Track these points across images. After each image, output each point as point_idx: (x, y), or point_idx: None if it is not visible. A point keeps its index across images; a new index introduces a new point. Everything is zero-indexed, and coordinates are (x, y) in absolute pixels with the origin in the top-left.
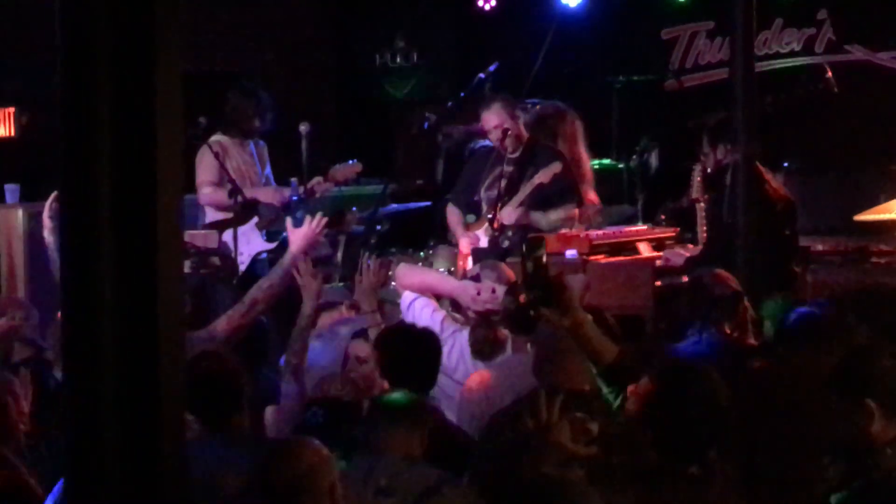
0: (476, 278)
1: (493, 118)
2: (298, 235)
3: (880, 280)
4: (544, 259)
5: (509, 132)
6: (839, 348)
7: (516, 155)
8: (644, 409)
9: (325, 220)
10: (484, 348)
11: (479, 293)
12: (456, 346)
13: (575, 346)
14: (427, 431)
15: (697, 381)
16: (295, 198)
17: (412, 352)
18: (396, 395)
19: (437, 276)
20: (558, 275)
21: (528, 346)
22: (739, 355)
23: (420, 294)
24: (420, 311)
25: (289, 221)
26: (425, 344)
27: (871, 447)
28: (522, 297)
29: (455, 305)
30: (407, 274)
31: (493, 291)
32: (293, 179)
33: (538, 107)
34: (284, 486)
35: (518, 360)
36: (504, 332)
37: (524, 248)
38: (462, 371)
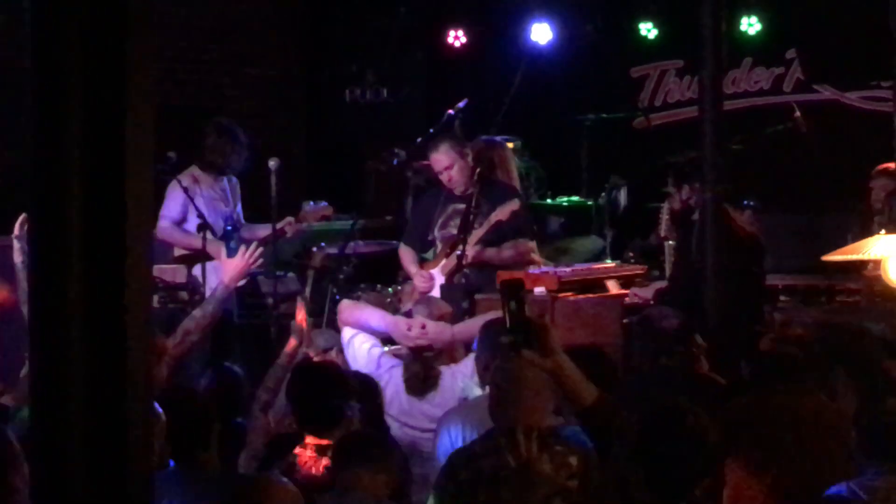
0: (408, 314)
1: (443, 159)
2: (231, 266)
3: (847, 319)
4: (523, 299)
5: (477, 170)
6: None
7: (470, 192)
8: (633, 446)
9: (259, 250)
10: (416, 384)
11: (409, 328)
12: (392, 381)
13: (531, 385)
14: (395, 471)
15: (685, 418)
16: (229, 227)
17: (317, 390)
18: (365, 432)
19: (373, 313)
20: (540, 316)
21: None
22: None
23: (360, 330)
24: (359, 347)
25: (222, 252)
26: (331, 383)
27: None
28: (505, 339)
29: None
30: (346, 310)
31: (423, 327)
32: (228, 209)
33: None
34: None
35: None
36: (438, 368)
37: (503, 291)
38: (397, 406)
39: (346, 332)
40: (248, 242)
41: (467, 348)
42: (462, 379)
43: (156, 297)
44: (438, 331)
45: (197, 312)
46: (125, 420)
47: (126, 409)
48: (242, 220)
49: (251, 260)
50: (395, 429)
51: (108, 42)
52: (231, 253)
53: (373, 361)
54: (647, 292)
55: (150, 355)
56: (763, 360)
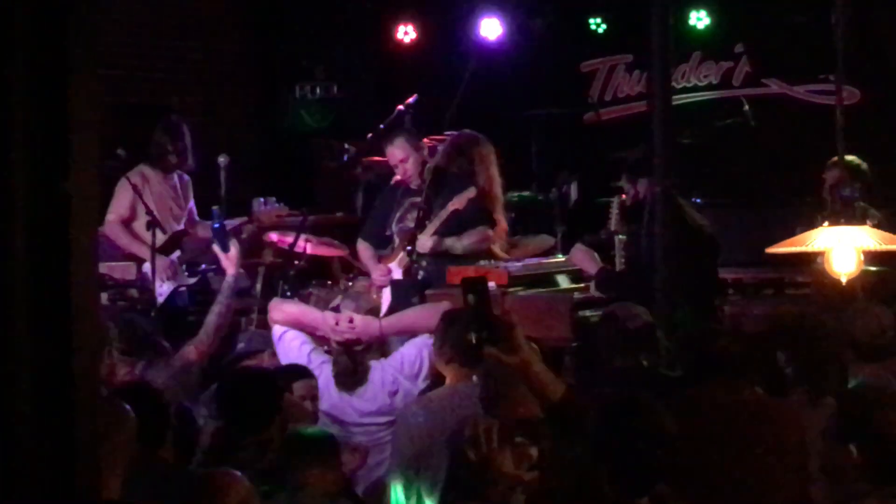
0: (336, 309)
1: (398, 152)
2: (232, 258)
3: (794, 312)
4: (486, 296)
5: (426, 164)
6: (759, 379)
7: (426, 186)
8: (594, 442)
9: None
10: (346, 379)
11: (337, 323)
12: (322, 376)
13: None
14: (341, 469)
15: (645, 414)
16: (217, 226)
17: (246, 392)
18: (310, 431)
19: (302, 309)
20: (505, 313)
21: (474, 377)
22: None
23: (290, 327)
24: (289, 344)
25: (217, 248)
26: (259, 384)
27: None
28: (469, 336)
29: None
30: (276, 308)
31: (351, 321)
32: (214, 208)
33: (452, 136)
34: None
35: (456, 391)
36: (368, 362)
37: (464, 288)
38: (327, 402)
39: (277, 330)
40: (202, 241)
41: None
42: (392, 373)
43: (105, 295)
44: (366, 324)
45: (216, 307)
46: (73, 420)
47: (74, 407)
48: (196, 217)
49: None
50: (326, 425)
51: (51, 38)
52: (226, 248)
53: (303, 357)
54: (587, 262)
55: (97, 354)
56: (702, 354)
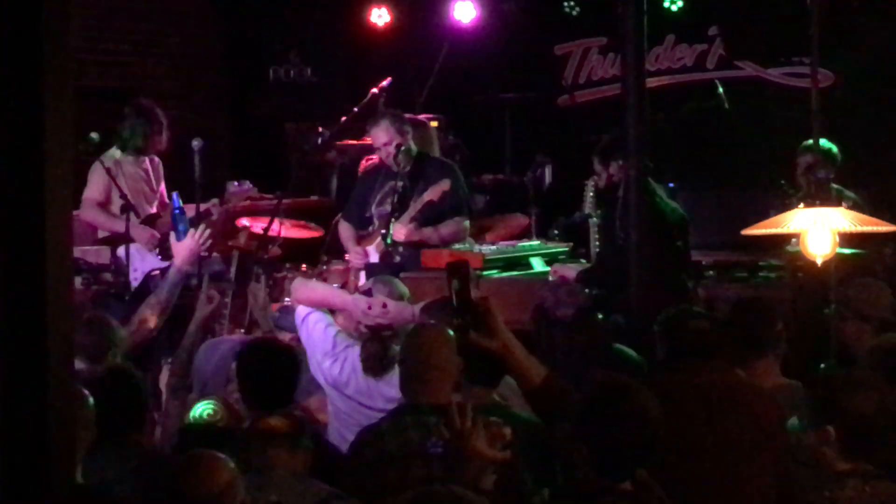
0: (368, 293)
1: (381, 135)
2: (183, 248)
3: (768, 294)
4: (468, 282)
5: (401, 147)
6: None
7: (407, 170)
8: (577, 426)
9: (208, 231)
10: (374, 364)
11: (369, 307)
12: (348, 361)
13: (436, 362)
14: (310, 451)
15: (629, 397)
16: (177, 210)
17: (267, 369)
18: (275, 419)
19: (330, 291)
20: (483, 299)
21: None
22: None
23: (314, 308)
24: (314, 326)
25: (172, 236)
26: (282, 361)
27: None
28: (455, 322)
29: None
30: (300, 288)
31: (385, 306)
32: (175, 194)
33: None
34: (199, 501)
35: None
36: (395, 347)
37: (448, 272)
38: (353, 386)
39: (301, 311)
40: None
41: None
42: None
43: (79, 279)
44: (399, 310)
45: (151, 299)
46: (46, 403)
47: (48, 393)
48: (166, 200)
49: (201, 242)
50: (353, 409)
51: (23, 20)
52: (180, 236)
53: (328, 341)
54: (569, 270)
55: (71, 338)
56: (676, 337)
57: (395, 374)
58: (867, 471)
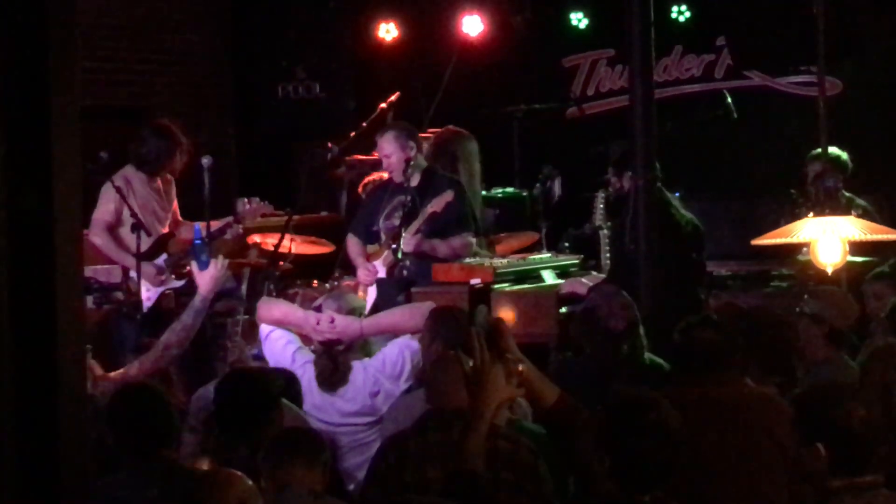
0: (319, 309)
1: (386, 146)
2: (206, 278)
3: (779, 304)
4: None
5: (410, 162)
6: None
7: (414, 184)
8: (600, 439)
9: (227, 261)
10: (327, 378)
11: (318, 323)
12: (305, 376)
13: (456, 371)
14: (326, 467)
15: (652, 411)
16: (199, 241)
17: (243, 396)
18: (295, 429)
19: (288, 308)
20: (496, 320)
21: None
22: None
23: (276, 326)
24: (274, 343)
25: (194, 265)
26: (256, 387)
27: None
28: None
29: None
30: (263, 307)
31: (332, 321)
32: (196, 224)
33: (435, 133)
34: None
35: None
36: (350, 362)
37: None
38: (310, 401)
39: (264, 329)
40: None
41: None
42: (374, 373)
43: (90, 298)
44: (346, 324)
45: (176, 325)
46: (57, 422)
47: (58, 409)
48: (180, 218)
49: (223, 270)
50: (311, 423)
51: (31, 40)
52: (202, 266)
53: (288, 357)
54: (580, 286)
55: (82, 357)
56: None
57: (348, 389)
58: (860, 484)
